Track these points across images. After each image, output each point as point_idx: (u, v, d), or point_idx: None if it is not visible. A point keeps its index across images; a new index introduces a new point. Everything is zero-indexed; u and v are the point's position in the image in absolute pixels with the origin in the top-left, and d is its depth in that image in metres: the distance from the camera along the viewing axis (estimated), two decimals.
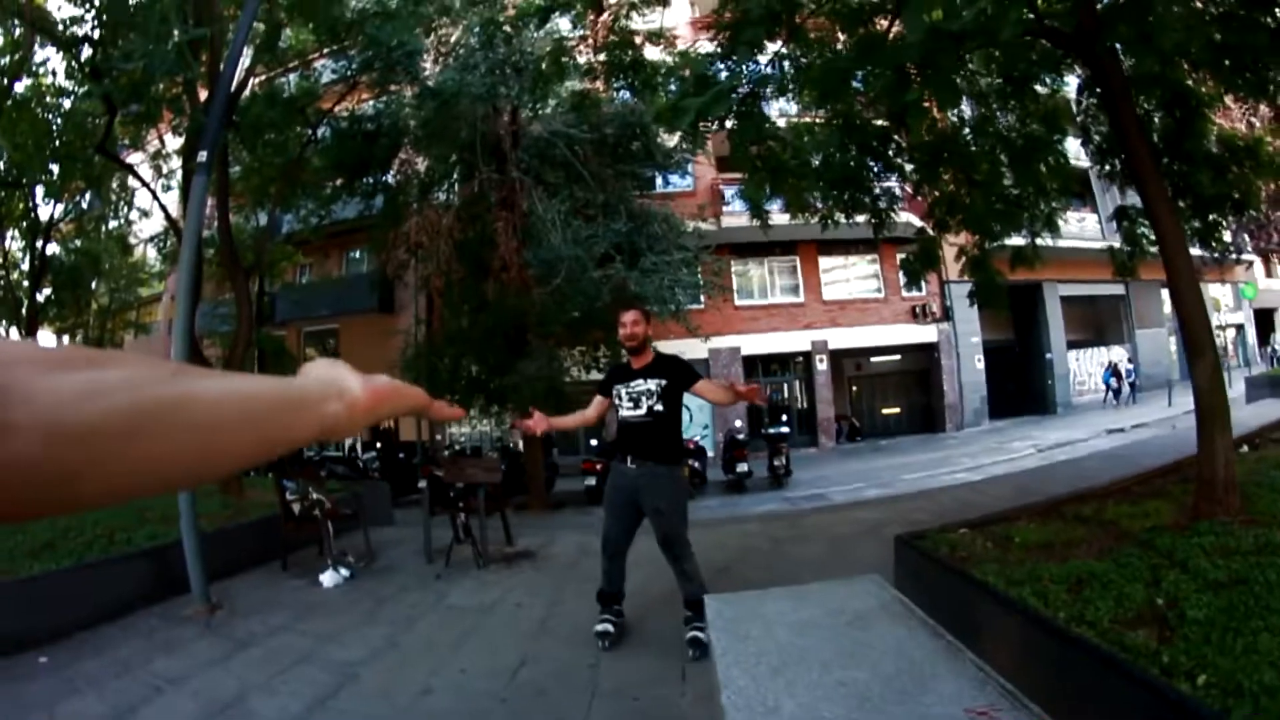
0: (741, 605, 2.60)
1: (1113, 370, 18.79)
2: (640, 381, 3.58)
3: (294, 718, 2.88)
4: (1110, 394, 18.55)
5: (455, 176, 11.41)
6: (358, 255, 17.63)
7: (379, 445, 14.38)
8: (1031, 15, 4.34)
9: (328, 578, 5.23)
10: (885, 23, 5.15)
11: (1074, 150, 7.28)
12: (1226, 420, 4.06)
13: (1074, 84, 6.83)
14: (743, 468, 11.11)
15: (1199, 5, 4.67)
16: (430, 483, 10.26)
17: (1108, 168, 6.34)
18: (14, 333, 14.70)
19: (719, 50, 5.20)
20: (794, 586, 2.82)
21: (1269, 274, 26.44)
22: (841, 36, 5.72)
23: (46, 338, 21.94)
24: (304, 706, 3.00)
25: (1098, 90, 5.95)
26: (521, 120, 10.61)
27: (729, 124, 4.75)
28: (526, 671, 3.49)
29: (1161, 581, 2.99)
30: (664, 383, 3.55)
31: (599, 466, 10.77)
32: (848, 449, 17.28)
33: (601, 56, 9.10)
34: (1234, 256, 22.03)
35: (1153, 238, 6.77)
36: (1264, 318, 26.41)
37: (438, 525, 6.20)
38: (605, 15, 6.67)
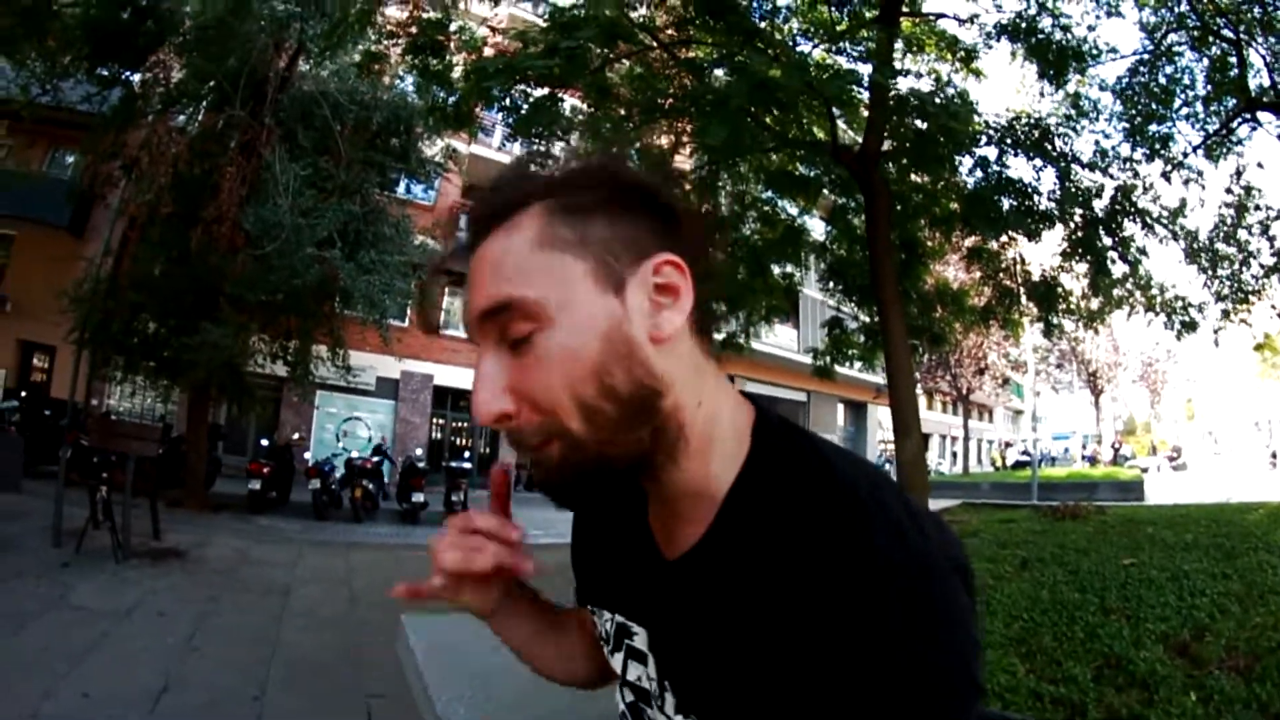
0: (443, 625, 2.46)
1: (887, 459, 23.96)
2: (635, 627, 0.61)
3: None
4: None
5: (205, 102, 9.67)
6: (68, 160, 13.71)
7: (24, 394, 10.94)
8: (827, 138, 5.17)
9: None
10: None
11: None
12: (926, 493, 5.11)
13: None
14: (418, 498, 10.13)
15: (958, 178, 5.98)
16: (74, 452, 8.21)
17: (837, 285, 7.57)
18: None
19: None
20: None
21: (929, 407, 34.65)
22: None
23: None
24: None
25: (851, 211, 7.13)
26: (296, 71, 9.47)
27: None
28: (170, 699, 2.87)
29: None
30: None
31: (266, 470, 9.51)
32: (523, 496, 17.37)
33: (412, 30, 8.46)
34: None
35: (851, 353, 8.09)
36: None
37: (73, 503, 5.12)
38: None
